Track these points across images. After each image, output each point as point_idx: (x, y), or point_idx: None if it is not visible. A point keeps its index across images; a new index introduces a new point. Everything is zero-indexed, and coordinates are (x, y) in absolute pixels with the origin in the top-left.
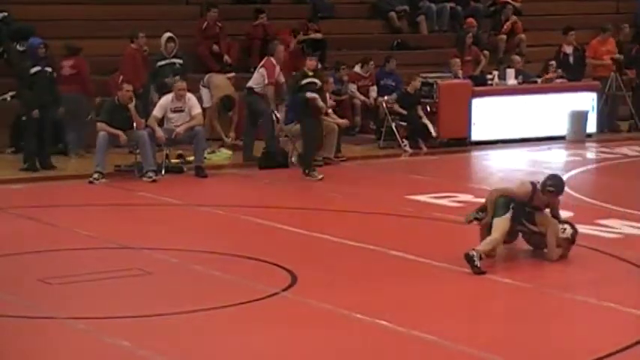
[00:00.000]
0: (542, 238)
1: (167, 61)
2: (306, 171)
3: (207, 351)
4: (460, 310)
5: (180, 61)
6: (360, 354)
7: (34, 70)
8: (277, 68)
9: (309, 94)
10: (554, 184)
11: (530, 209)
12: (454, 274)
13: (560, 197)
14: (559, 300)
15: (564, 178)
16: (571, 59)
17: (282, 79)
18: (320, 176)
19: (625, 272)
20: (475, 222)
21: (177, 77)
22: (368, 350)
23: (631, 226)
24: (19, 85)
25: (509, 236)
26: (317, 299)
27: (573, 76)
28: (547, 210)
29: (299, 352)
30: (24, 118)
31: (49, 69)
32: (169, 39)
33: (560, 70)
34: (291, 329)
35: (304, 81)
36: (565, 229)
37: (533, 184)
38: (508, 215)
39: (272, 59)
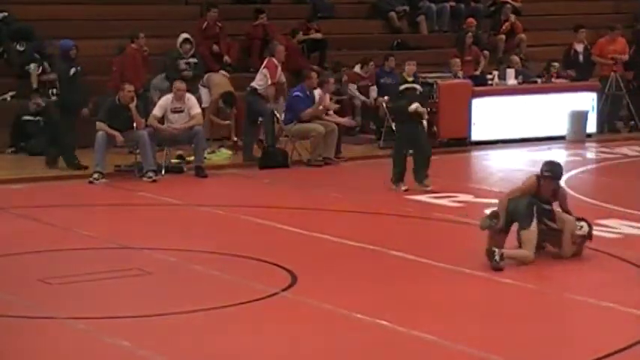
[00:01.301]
0: (559, 235)
1: (185, 60)
2: (420, 180)
3: (207, 351)
4: (460, 310)
5: (195, 61)
6: (360, 354)
7: (72, 71)
8: (279, 68)
9: (411, 108)
10: (549, 169)
11: (549, 207)
12: (454, 274)
13: (563, 186)
14: (559, 300)
15: (564, 178)
16: (581, 57)
17: (283, 79)
18: (429, 187)
19: (625, 272)
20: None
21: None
22: (368, 350)
23: (631, 226)
24: (60, 87)
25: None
26: (317, 299)
27: (582, 74)
28: (556, 203)
29: (299, 352)
30: (57, 118)
31: (79, 68)
32: (185, 40)
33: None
34: (291, 329)
35: (403, 87)
36: (582, 227)
37: (537, 175)
38: (534, 227)
39: (273, 59)
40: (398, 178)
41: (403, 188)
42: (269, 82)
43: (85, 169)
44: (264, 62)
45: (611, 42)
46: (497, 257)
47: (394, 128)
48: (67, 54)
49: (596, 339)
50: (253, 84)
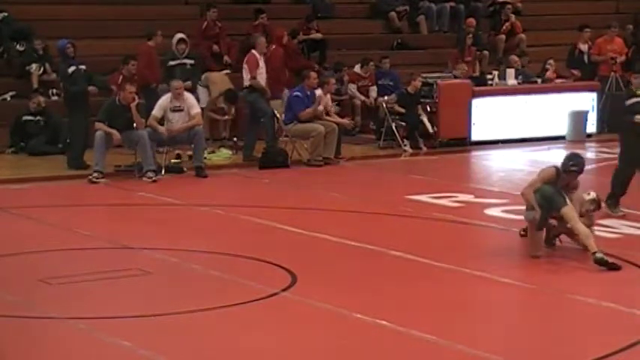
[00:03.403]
0: (565, 225)
1: (178, 62)
2: (611, 210)
3: (207, 351)
4: (460, 310)
5: (192, 62)
6: (360, 354)
7: (71, 69)
8: (261, 61)
9: (638, 118)
10: (576, 163)
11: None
12: (454, 273)
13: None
14: (559, 300)
15: None
16: (586, 57)
17: (264, 74)
18: (621, 213)
19: (625, 272)
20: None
21: (189, 82)
22: (368, 350)
23: (631, 226)
24: (62, 86)
25: (541, 225)
26: (317, 299)
27: (587, 74)
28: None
29: (299, 352)
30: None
31: (83, 67)
32: (180, 40)
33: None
34: (291, 329)
35: (631, 101)
36: (590, 193)
37: (556, 167)
38: (569, 202)
39: (255, 52)
40: (616, 202)
41: (620, 213)
42: (248, 76)
43: (87, 169)
44: (246, 57)
45: (609, 42)
46: (606, 259)
47: (623, 148)
48: (64, 53)
49: (596, 339)
50: (245, 82)
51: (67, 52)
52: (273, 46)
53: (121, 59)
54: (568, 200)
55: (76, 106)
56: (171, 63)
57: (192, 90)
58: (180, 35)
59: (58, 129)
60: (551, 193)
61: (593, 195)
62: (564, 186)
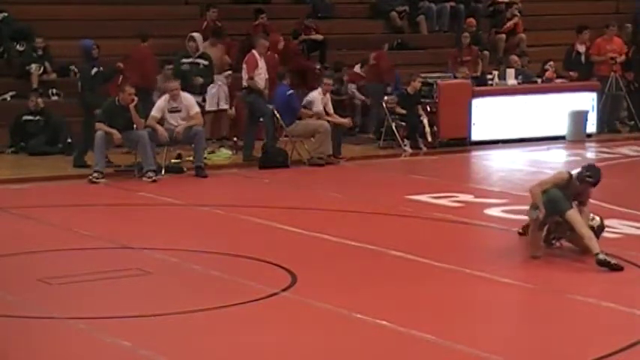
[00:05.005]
0: (565, 232)
1: (191, 60)
2: None
3: (207, 351)
4: (460, 310)
5: (206, 62)
6: (360, 354)
7: (94, 71)
8: (261, 62)
9: None
10: (592, 174)
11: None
12: (454, 274)
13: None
14: (559, 300)
15: None
16: (583, 58)
17: (266, 74)
18: None
19: (625, 272)
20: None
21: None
22: (368, 350)
23: (631, 226)
24: (81, 87)
25: (541, 225)
26: (317, 299)
27: (584, 75)
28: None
29: (299, 352)
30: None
31: (101, 68)
32: (190, 38)
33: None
34: (291, 329)
35: None
36: (594, 218)
37: (569, 173)
38: (574, 207)
39: (254, 53)
40: None
41: None
42: (246, 76)
43: (88, 167)
44: (246, 57)
45: (609, 41)
46: (609, 260)
47: None
48: (89, 54)
49: (596, 339)
50: (244, 82)
51: (93, 54)
52: (269, 52)
53: (121, 59)
54: (573, 204)
55: (91, 109)
56: (185, 61)
57: (204, 90)
58: (194, 34)
59: (58, 129)
60: (558, 196)
61: (597, 221)
62: (574, 195)
